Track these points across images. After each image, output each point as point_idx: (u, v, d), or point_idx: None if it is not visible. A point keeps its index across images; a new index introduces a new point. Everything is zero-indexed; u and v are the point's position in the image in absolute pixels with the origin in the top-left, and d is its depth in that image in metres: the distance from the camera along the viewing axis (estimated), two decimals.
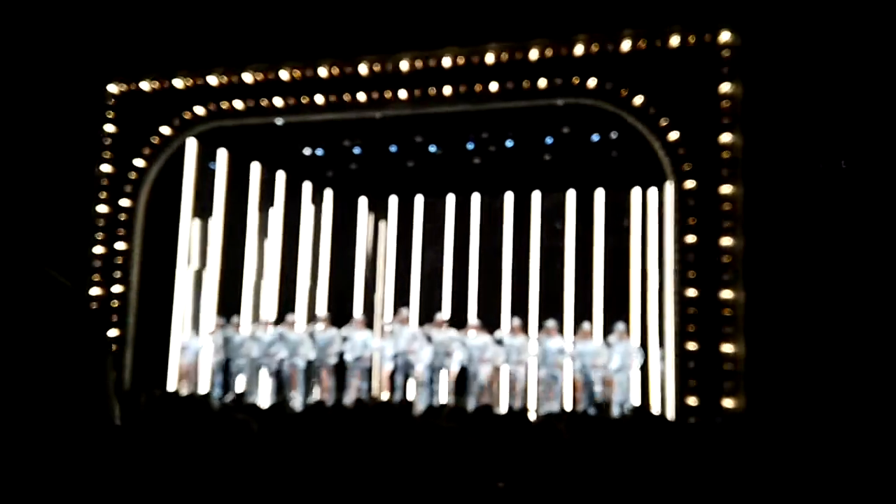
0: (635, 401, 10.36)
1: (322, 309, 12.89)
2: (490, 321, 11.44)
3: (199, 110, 10.67)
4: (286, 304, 12.57)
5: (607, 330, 11.13)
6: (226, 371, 11.04)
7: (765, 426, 7.69)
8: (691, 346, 8.59)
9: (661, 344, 10.26)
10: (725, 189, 8.65)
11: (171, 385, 10.75)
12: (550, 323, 10.66)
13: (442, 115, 10.12)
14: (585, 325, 10.73)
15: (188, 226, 11.30)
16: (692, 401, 8.52)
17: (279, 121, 10.52)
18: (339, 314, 12.67)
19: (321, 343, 10.85)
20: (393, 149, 11.68)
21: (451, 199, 13.46)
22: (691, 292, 8.65)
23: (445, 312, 12.21)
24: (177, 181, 11.14)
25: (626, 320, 11.25)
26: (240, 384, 10.99)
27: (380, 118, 10.25)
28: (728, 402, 8.34)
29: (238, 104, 10.49)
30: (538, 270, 12.69)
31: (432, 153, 11.68)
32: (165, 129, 10.84)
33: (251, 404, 8.31)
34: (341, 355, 10.85)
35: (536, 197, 12.96)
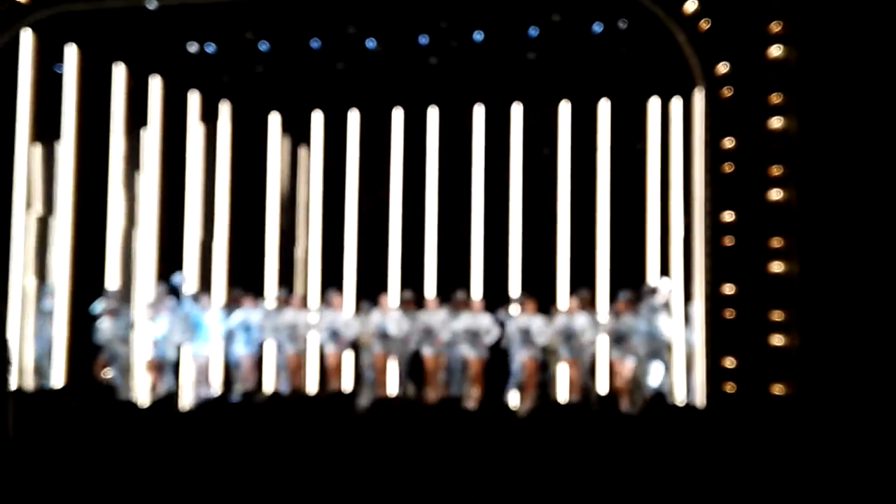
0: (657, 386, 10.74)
1: (220, 268, 13.01)
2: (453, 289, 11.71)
3: None
4: (168, 263, 12.51)
5: (614, 296, 11.41)
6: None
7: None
8: (728, 313, 8.82)
9: (687, 314, 10.57)
10: (775, 98, 8.75)
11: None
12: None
13: None
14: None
15: (26, 154, 11.23)
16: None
17: (151, 3, 10.34)
18: (242, 277, 12.72)
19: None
20: (315, 44, 11.59)
21: (397, 116, 13.34)
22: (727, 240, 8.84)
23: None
24: (8, 92, 11.07)
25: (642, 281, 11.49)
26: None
27: None
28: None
29: None
30: (520, 211, 12.74)
31: (371, 51, 11.59)
32: None
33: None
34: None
35: (517, 111, 12.92)
